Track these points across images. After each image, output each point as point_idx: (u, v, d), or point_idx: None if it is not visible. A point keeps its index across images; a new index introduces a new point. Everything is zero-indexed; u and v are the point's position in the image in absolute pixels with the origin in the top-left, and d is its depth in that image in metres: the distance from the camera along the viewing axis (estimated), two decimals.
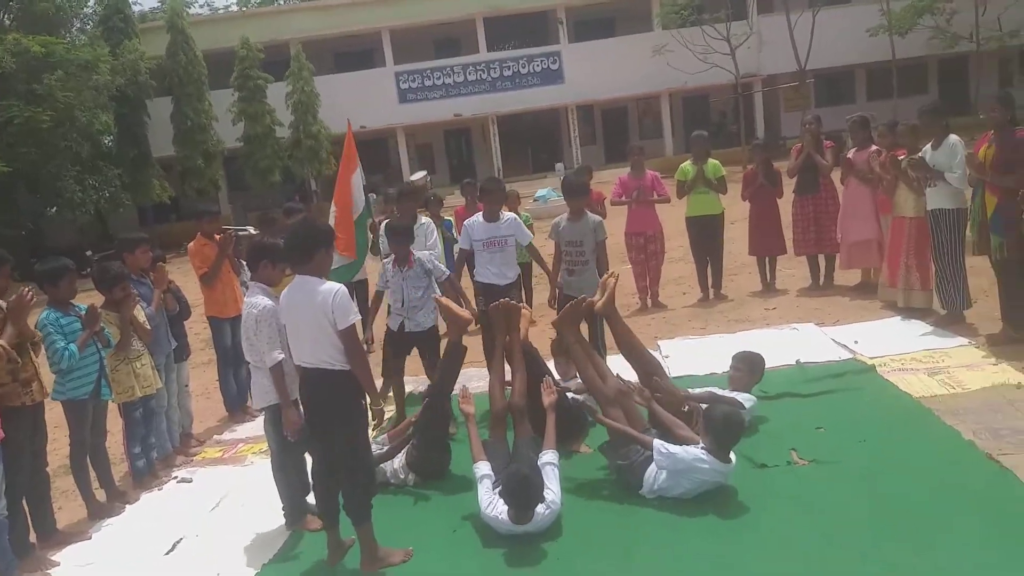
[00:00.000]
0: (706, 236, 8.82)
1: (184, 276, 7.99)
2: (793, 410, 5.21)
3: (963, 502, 3.79)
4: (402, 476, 4.87)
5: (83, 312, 4.98)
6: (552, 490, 4.07)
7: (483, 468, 4.26)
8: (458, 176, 29.36)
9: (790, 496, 4.07)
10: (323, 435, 3.90)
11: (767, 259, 9.01)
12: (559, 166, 28.21)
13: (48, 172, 21.12)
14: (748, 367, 5.24)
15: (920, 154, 6.54)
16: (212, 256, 6.60)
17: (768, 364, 5.99)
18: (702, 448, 4.08)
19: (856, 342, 6.46)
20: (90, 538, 4.78)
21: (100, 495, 5.24)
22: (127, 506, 5.20)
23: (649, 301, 8.97)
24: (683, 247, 10.12)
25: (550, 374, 5.19)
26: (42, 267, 4.90)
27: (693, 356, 6.67)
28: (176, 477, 5.61)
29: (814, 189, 8.43)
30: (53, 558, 4.51)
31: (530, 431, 4.60)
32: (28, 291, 4.36)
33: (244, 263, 7.11)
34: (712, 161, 8.88)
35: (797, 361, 6.19)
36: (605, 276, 5.50)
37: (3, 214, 21.08)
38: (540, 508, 3.96)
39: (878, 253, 7.80)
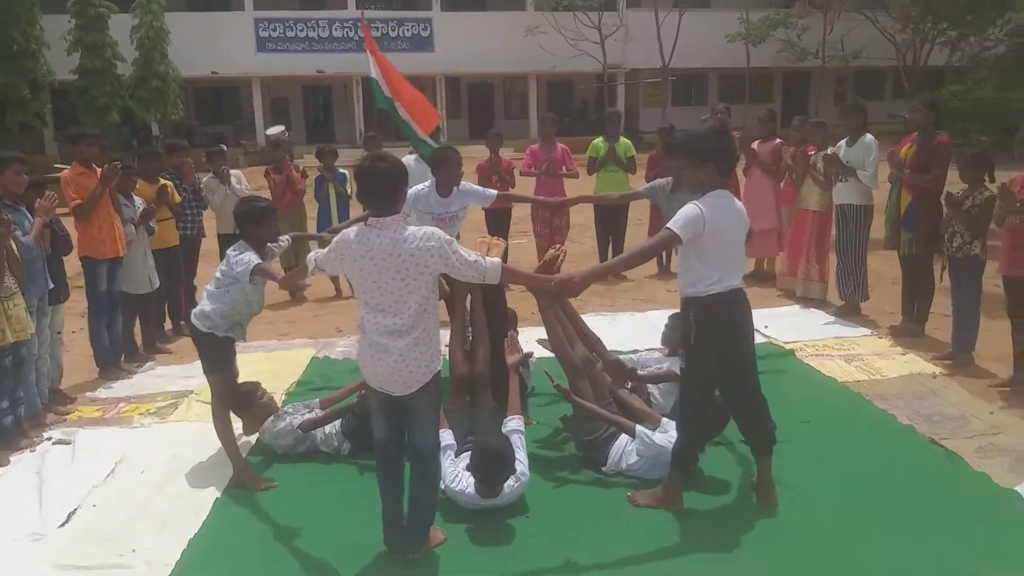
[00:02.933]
0: (611, 214, 8.82)
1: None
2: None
3: (919, 486, 3.90)
4: (336, 444, 4.43)
5: None
6: (520, 460, 3.82)
7: (446, 438, 3.93)
8: (315, 136, 28.20)
9: (748, 474, 4.03)
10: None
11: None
12: None
13: None
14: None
15: (834, 149, 6.81)
16: (90, 187, 5.74)
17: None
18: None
19: (766, 326, 6.63)
20: None
21: None
22: None
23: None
24: (583, 224, 10.10)
25: (515, 330, 4.93)
26: None
27: (608, 332, 6.59)
28: (51, 438, 4.83)
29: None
30: None
31: (490, 400, 4.31)
32: None
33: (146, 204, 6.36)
34: (624, 140, 8.90)
35: None
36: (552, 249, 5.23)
37: None
38: (510, 481, 3.70)
39: (776, 243, 8.09)
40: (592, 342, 4.90)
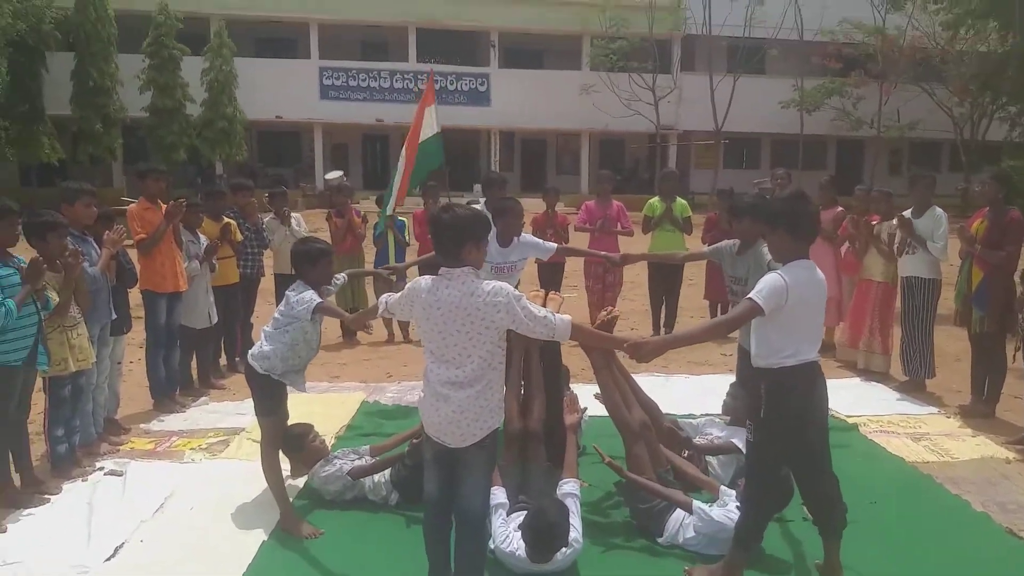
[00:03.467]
0: (667, 274, 8.73)
1: None
2: None
3: None
4: (384, 493, 4.36)
5: (23, 264, 4.25)
6: (575, 527, 3.69)
7: (499, 495, 3.83)
8: (371, 182, 28.66)
9: (811, 554, 3.84)
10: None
11: (719, 305, 9.01)
12: (477, 187, 27.95)
13: None
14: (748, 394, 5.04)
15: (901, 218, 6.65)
16: (155, 222, 5.86)
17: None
18: (738, 506, 3.80)
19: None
20: (5, 531, 4.01)
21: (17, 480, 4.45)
22: (50, 497, 4.42)
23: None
24: (634, 282, 10.03)
25: (569, 387, 4.84)
26: None
27: (662, 395, 6.44)
28: (103, 468, 4.85)
29: None
30: None
31: (544, 458, 4.21)
32: None
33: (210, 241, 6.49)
34: (680, 200, 8.85)
35: None
36: (604, 312, 5.15)
37: None
38: (563, 548, 3.58)
39: (836, 312, 7.89)
40: (646, 405, 4.79)
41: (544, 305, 4.89)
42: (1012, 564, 3.82)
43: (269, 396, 4.14)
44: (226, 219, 7.06)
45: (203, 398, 6.44)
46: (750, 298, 3.36)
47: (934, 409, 6.17)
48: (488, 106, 29.94)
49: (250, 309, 7.68)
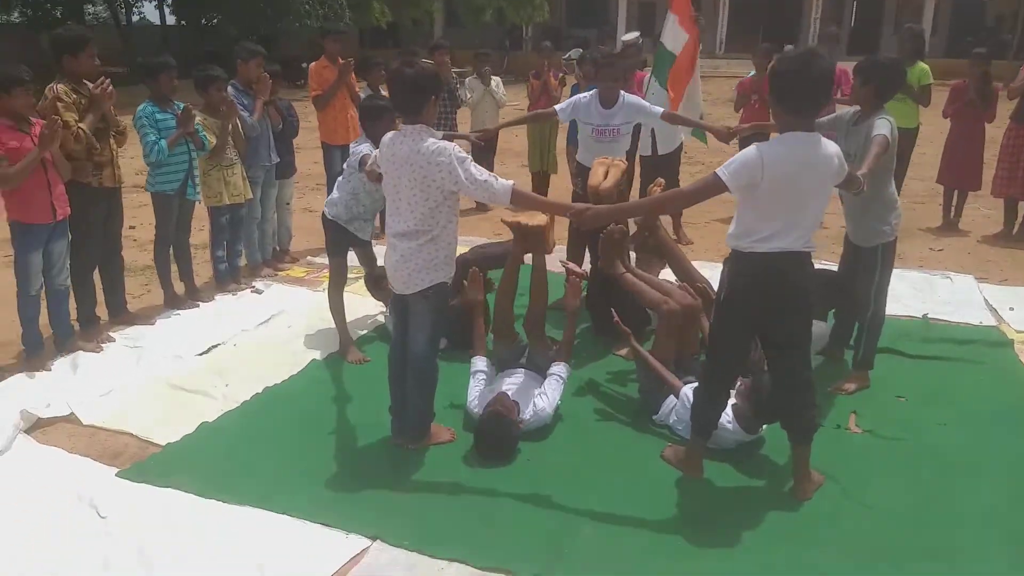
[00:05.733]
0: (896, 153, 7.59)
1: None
2: (886, 369, 4.42)
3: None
4: None
5: (180, 110, 5.11)
6: (547, 396, 3.76)
7: (478, 363, 4.04)
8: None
9: (819, 464, 3.46)
10: None
11: (956, 192, 7.69)
12: (789, 48, 25.57)
13: None
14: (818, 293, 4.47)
15: None
16: (330, 79, 6.54)
17: (891, 311, 5.18)
18: (732, 405, 3.54)
19: (1011, 309, 5.40)
20: (154, 323, 5.11)
21: (182, 288, 5.57)
22: (200, 304, 5.49)
23: None
24: None
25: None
26: (142, 62, 5.05)
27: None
28: (253, 287, 5.84)
29: None
30: (112, 334, 4.87)
31: (548, 347, 4.19)
32: (105, 80, 4.48)
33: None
34: (921, 64, 7.49)
35: (924, 315, 5.28)
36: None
37: (242, 20, 22.40)
38: (527, 411, 3.68)
39: None
40: (686, 269, 4.71)
41: (607, 173, 4.74)
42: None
43: (334, 240, 4.65)
44: None
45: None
46: (715, 172, 3.01)
47: None
48: None
49: None
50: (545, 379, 3.91)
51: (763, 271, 3.02)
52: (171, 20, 28.64)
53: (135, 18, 31.11)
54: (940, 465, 3.48)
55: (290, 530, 3.01)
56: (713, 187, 3.02)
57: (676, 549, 2.94)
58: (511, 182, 3.28)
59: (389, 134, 3.42)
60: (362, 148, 4.39)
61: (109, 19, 29.05)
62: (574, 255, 5.25)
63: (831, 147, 3.03)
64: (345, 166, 4.60)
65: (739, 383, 3.53)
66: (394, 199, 3.37)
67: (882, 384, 4.25)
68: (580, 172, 5.44)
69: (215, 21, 25.29)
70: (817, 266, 3.33)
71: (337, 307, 4.73)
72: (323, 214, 4.67)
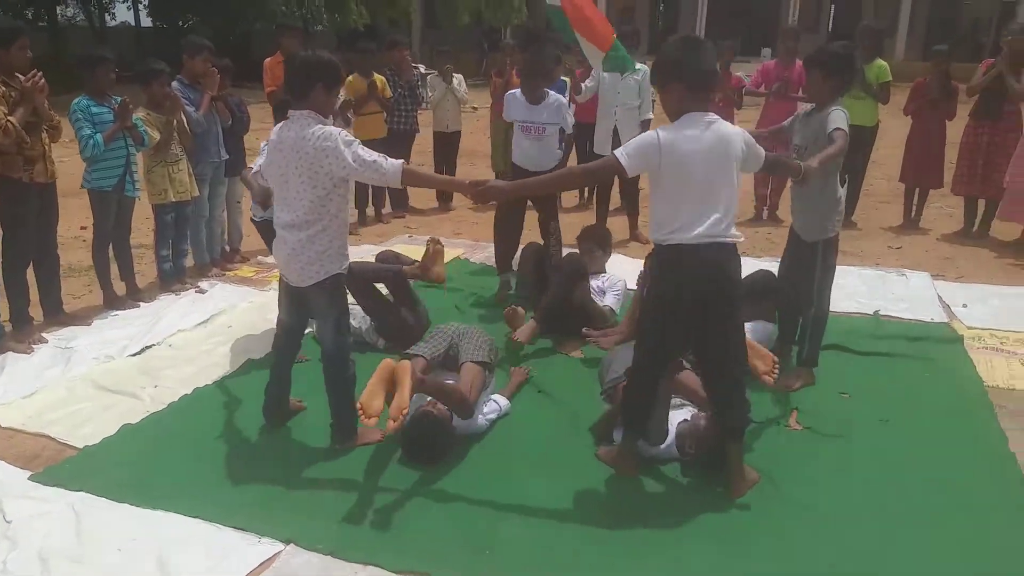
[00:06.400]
0: (850, 150, 7.53)
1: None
2: (832, 366, 4.35)
3: (957, 520, 2.99)
4: (373, 339, 4.65)
5: (116, 104, 4.99)
6: (482, 413, 3.67)
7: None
8: (657, 43, 27.57)
9: (758, 461, 3.38)
10: None
11: (917, 190, 7.68)
12: (766, 52, 25.67)
13: None
14: (758, 293, 4.38)
15: None
16: (283, 76, 6.42)
17: (843, 308, 5.21)
18: (677, 428, 3.41)
19: (964, 306, 5.37)
20: (90, 324, 4.98)
21: (123, 288, 5.44)
22: (141, 304, 5.36)
23: (766, 212, 7.98)
24: None
25: None
26: (79, 56, 4.96)
27: None
28: (198, 287, 5.71)
29: (995, 115, 6.94)
30: (45, 335, 4.74)
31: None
32: (37, 73, 4.36)
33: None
34: (879, 62, 7.48)
35: (876, 312, 5.24)
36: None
37: (216, 21, 22.23)
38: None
39: None
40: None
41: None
42: (1006, 520, 3.05)
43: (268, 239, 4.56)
44: (376, 76, 7.49)
45: None
46: (614, 152, 2.94)
47: None
48: None
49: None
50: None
51: (681, 263, 2.92)
52: (148, 23, 28.44)
53: (114, 22, 30.90)
54: (877, 462, 3.42)
55: (201, 534, 2.89)
56: (610, 168, 3.00)
57: (605, 547, 2.85)
58: (400, 161, 3.21)
59: (278, 124, 3.36)
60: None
61: (83, 22, 28.80)
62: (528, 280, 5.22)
63: (732, 130, 2.97)
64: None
65: (696, 417, 3.41)
66: (282, 189, 3.30)
67: (827, 381, 4.18)
68: (516, 174, 5.34)
69: (191, 23, 25.12)
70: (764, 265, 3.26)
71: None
72: (250, 219, 4.60)
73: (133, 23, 28.64)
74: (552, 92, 5.28)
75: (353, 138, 3.19)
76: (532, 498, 3.14)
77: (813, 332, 4.15)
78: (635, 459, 3.34)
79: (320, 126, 3.15)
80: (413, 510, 3.07)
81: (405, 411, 3.11)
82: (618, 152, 2.91)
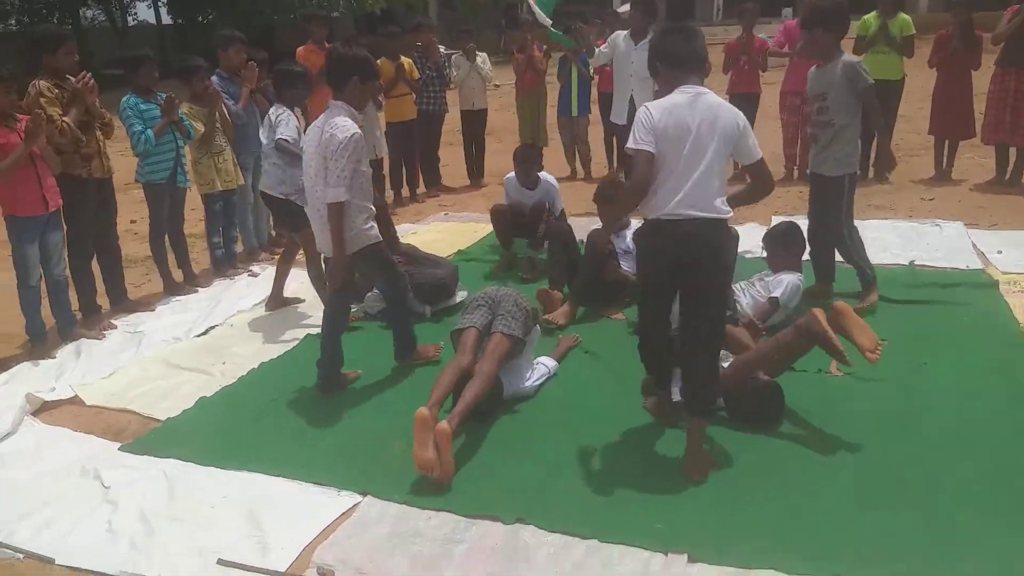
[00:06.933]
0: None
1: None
2: (872, 315, 4.47)
3: (994, 458, 3.11)
4: (419, 310, 4.85)
5: (163, 100, 5.20)
6: (532, 376, 3.87)
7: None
8: (673, 15, 27.36)
9: (800, 404, 3.54)
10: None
11: (947, 142, 7.70)
12: (787, 12, 25.36)
13: None
14: (782, 243, 4.54)
15: None
16: (318, 63, 6.62)
17: (879, 260, 5.31)
18: None
19: (999, 252, 5.45)
20: (154, 310, 5.24)
21: (180, 276, 5.69)
22: (199, 289, 5.61)
23: (796, 171, 8.05)
24: None
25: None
26: (121, 55, 5.18)
27: None
28: (250, 271, 5.95)
29: (1021, 62, 6.94)
30: (114, 321, 5.00)
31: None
32: (87, 74, 4.58)
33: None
34: (902, 16, 7.53)
35: (911, 262, 5.34)
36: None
37: (235, 16, 22.47)
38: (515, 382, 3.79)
39: None
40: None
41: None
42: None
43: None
44: (403, 59, 7.65)
45: None
46: (627, 148, 3.04)
47: None
48: None
49: (434, 144, 8.36)
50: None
51: (662, 234, 2.96)
52: (168, 20, 28.78)
53: (133, 20, 31.25)
54: (918, 402, 3.55)
55: (285, 490, 3.12)
56: (640, 162, 2.94)
57: (648, 494, 2.99)
58: (346, 198, 3.53)
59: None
60: (282, 118, 4.80)
61: (106, 23, 29.21)
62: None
63: (724, 105, 3.01)
64: (264, 140, 4.82)
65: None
66: (309, 167, 3.67)
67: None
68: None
69: (210, 18, 25.40)
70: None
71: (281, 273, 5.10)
72: (264, 194, 4.93)
73: (154, 21, 28.97)
74: (545, 177, 5.68)
75: (356, 150, 3.52)
76: (585, 447, 3.32)
77: (859, 252, 4.53)
78: (672, 408, 3.48)
79: (343, 118, 3.53)
80: (477, 461, 3.27)
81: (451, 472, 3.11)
82: (629, 145, 2.98)
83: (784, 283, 4.33)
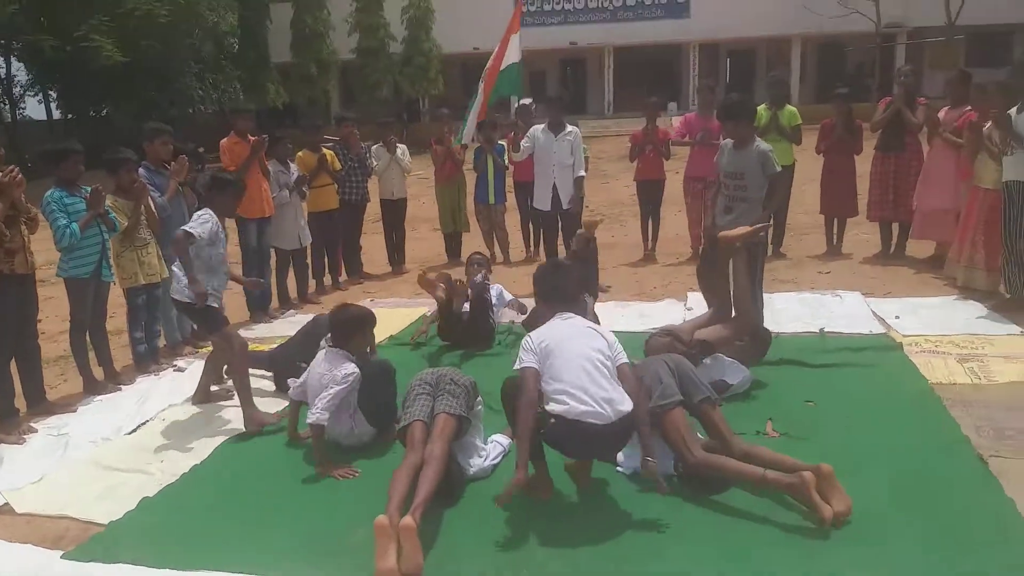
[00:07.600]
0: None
1: None
2: (792, 379, 4.80)
3: (929, 501, 3.36)
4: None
5: (87, 193, 5.11)
6: (488, 454, 3.91)
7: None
8: (569, 108, 28.70)
9: None
10: None
11: (835, 220, 8.37)
12: (672, 106, 27.07)
13: (170, 67, 21.94)
14: (751, 337, 4.84)
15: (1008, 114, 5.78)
16: (243, 155, 6.66)
17: (791, 329, 5.71)
18: None
19: (897, 317, 5.91)
20: (75, 411, 5.00)
21: (101, 373, 5.47)
22: (122, 387, 5.40)
23: (701, 250, 8.51)
24: None
25: None
26: (47, 148, 5.10)
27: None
28: (175, 365, 5.79)
29: (898, 148, 7.69)
30: (34, 425, 4.74)
31: None
32: (14, 169, 4.49)
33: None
34: (789, 108, 8.26)
35: (821, 330, 5.72)
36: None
37: (125, 105, 22.12)
38: (472, 461, 3.82)
39: (954, 225, 7.04)
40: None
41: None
42: (963, 492, 3.43)
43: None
44: (325, 150, 7.78)
45: (291, 311, 7.29)
46: (515, 369, 3.47)
47: (1016, 329, 5.46)
48: (687, 17, 28.57)
49: (355, 233, 8.44)
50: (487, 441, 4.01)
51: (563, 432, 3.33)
52: (57, 115, 27.98)
53: (23, 117, 30.20)
54: (851, 457, 3.77)
55: None
56: (526, 378, 3.38)
57: (620, 564, 3.09)
58: (324, 425, 3.94)
59: (320, 352, 4.15)
60: (202, 216, 4.75)
61: None
62: None
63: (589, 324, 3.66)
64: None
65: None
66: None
67: (792, 392, 4.59)
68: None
69: (104, 112, 24.88)
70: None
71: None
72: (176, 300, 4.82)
73: (43, 117, 28.12)
74: (494, 287, 6.18)
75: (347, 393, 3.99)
76: (551, 520, 3.37)
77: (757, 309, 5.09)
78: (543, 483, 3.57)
79: (351, 364, 4.10)
80: (445, 547, 3.26)
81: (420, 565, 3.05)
82: (517, 366, 3.44)
83: (741, 375, 4.60)
